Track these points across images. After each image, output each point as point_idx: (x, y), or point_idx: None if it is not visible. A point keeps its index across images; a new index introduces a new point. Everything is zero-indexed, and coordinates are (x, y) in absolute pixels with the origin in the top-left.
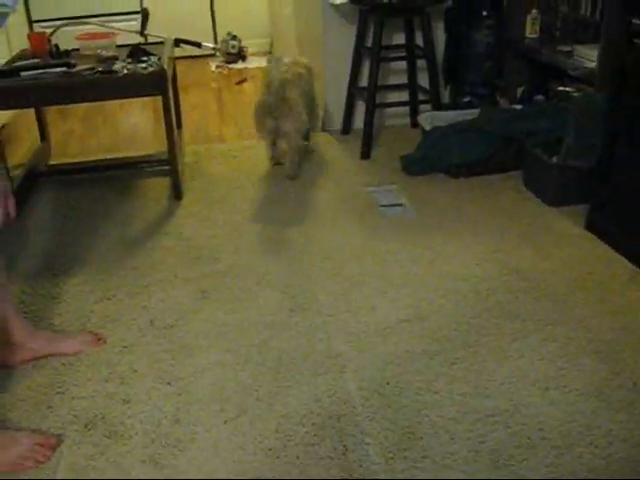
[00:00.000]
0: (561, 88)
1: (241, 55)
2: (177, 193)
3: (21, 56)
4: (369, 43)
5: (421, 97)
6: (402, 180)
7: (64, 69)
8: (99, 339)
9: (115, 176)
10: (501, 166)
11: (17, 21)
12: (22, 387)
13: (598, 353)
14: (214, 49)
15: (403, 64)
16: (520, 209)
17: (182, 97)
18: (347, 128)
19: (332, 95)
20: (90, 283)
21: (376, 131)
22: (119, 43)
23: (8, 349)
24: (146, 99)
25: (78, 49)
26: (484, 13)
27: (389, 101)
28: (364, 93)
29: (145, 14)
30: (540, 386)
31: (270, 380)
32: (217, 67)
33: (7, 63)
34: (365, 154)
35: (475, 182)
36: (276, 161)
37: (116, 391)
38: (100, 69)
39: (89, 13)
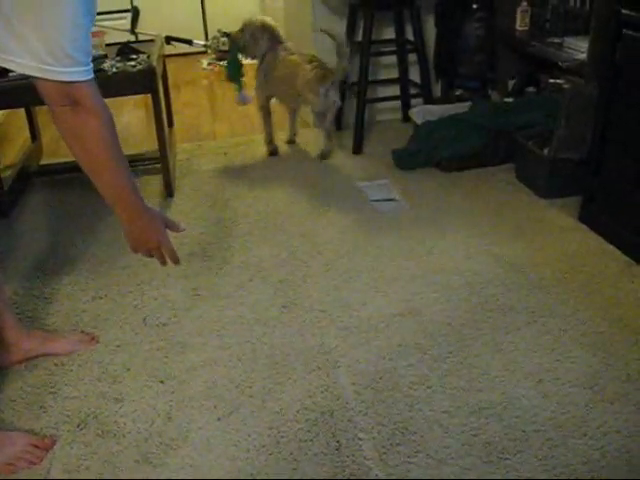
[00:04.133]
0: (552, 80)
1: None
2: (169, 191)
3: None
4: (359, 37)
5: (412, 91)
6: (394, 174)
7: None
8: (92, 339)
9: None
10: (493, 159)
11: None
12: (15, 387)
13: (591, 345)
14: (205, 46)
15: (394, 58)
16: (512, 202)
17: (173, 95)
18: (338, 123)
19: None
20: (82, 282)
21: (367, 126)
22: (109, 41)
23: (1, 349)
24: (137, 97)
25: None
26: (474, 6)
27: (380, 96)
28: (355, 88)
29: (135, 12)
30: (533, 379)
31: (263, 377)
32: (208, 64)
33: None
34: (357, 149)
35: (467, 176)
36: (274, 150)
37: (109, 390)
38: None
39: None
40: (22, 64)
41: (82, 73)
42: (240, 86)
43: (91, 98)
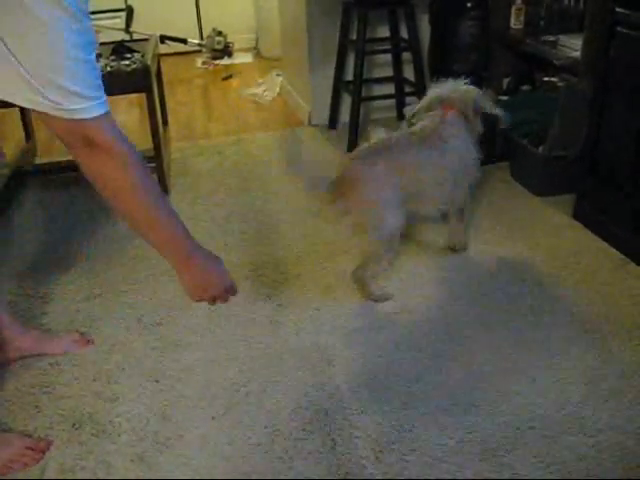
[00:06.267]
0: (546, 78)
1: (227, 51)
2: (163, 189)
3: None
4: (354, 36)
5: (407, 89)
6: None
7: None
8: (87, 340)
9: None
10: (488, 157)
11: None
12: (9, 387)
13: (586, 342)
14: (200, 45)
15: (388, 57)
16: (507, 199)
17: (168, 94)
18: (333, 122)
19: (318, 89)
20: (77, 282)
21: (362, 124)
22: (103, 40)
23: None
24: (131, 96)
25: None
26: (469, 4)
27: (375, 94)
28: (350, 87)
29: (130, 11)
30: (528, 376)
31: (258, 375)
32: (203, 63)
33: None
34: (352, 148)
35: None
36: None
37: (104, 390)
38: None
39: None
40: (28, 98)
41: (92, 108)
42: None
43: (107, 135)
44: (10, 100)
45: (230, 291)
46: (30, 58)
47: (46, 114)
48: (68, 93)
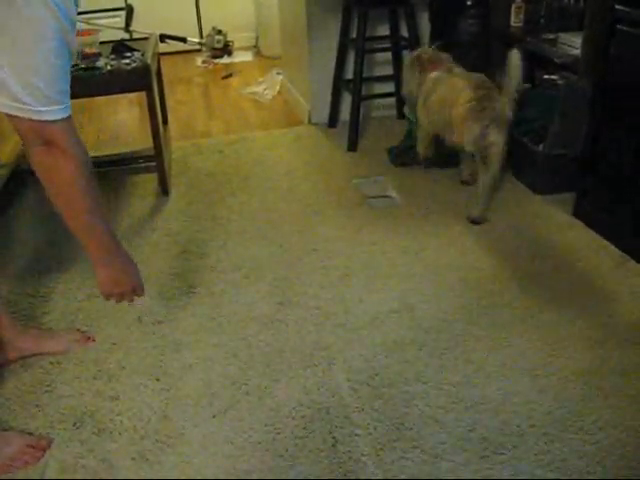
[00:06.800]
0: (546, 76)
1: (227, 50)
2: (164, 189)
3: None
4: (354, 35)
5: None
6: (389, 171)
7: None
8: (88, 338)
9: (101, 173)
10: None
11: None
12: (10, 386)
13: (587, 340)
14: (199, 44)
15: (388, 55)
16: (508, 198)
17: (168, 93)
18: (333, 121)
19: (318, 88)
20: (77, 281)
21: (362, 123)
22: (103, 39)
23: None
24: (132, 95)
25: None
26: (468, 2)
27: (375, 93)
28: (350, 85)
29: (130, 10)
30: (529, 374)
31: (259, 374)
32: (203, 62)
33: None
34: (352, 146)
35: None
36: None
37: (104, 388)
38: (83, 66)
39: None
40: (5, 105)
41: (58, 112)
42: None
43: (66, 138)
44: None
45: (137, 290)
46: (15, 59)
47: (11, 114)
48: (41, 96)
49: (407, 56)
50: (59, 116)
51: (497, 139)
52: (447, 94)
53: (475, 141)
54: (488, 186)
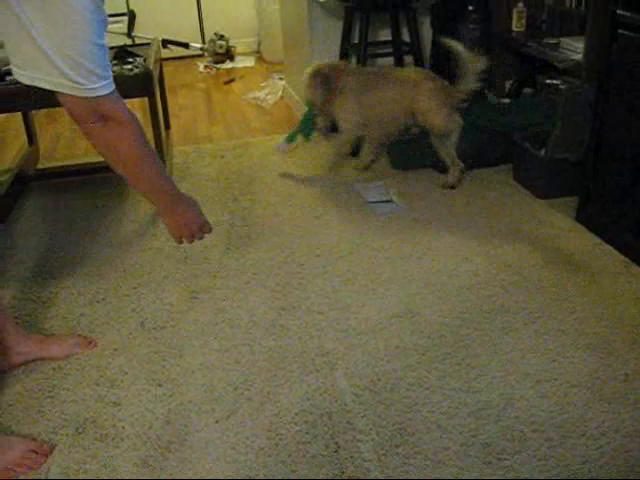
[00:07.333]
0: (548, 81)
1: (229, 55)
2: None
3: (6, 60)
4: (355, 40)
5: None
6: (390, 176)
7: None
8: (90, 342)
9: (103, 179)
10: (490, 160)
11: None
12: (12, 392)
13: (590, 345)
14: (202, 49)
15: (390, 60)
16: (510, 202)
17: (170, 98)
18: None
19: None
20: (79, 286)
21: None
22: None
23: None
24: (134, 101)
25: None
26: (470, 7)
27: None
28: None
29: (132, 16)
30: (532, 379)
31: (261, 379)
32: (205, 67)
33: None
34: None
35: (464, 176)
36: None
37: (107, 394)
38: None
39: None
40: (52, 81)
41: (107, 86)
42: (292, 139)
43: (119, 110)
44: (36, 84)
45: (204, 228)
46: (61, 44)
47: (64, 94)
48: (90, 74)
49: (306, 72)
50: (108, 90)
51: (459, 120)
52: (397, 88)
53: (444, 122)
54: (453, 156)
